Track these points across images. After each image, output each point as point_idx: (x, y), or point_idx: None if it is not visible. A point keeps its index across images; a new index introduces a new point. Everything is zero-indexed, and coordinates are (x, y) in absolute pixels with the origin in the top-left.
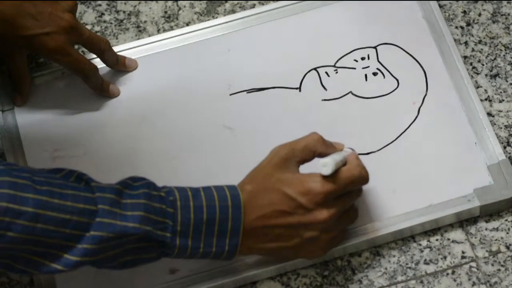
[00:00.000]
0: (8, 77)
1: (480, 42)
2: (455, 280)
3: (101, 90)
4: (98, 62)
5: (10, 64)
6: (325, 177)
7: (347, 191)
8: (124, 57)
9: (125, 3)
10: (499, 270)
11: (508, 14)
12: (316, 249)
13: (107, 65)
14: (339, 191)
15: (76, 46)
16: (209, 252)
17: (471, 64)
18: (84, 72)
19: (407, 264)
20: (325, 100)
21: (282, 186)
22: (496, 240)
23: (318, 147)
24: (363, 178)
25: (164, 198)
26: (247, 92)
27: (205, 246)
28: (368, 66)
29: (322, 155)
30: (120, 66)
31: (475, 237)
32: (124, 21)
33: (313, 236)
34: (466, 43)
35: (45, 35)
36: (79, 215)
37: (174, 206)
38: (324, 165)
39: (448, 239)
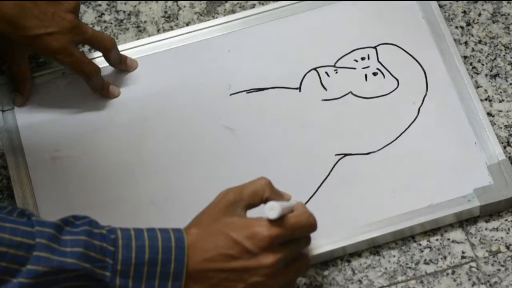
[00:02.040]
0: (9, 77)
1: (480, 42)
2: (455, 280)
3: (101, 91)
4: (99, 63)
5: (12, 64)
6: (271, 222)
7: (295, 238)
8: (126, 57)
9: (125, 3)
10: (499, 270)
11: (508, 14)
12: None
13: (110, 64)
14: (286, 236)
15: (82, 48)
16: None
17: (471, 64)
18: (86, 72)
19: (407, 264)
20: (325, 100)
21: (228, 230)
22: (496, 240)
23: (266, 193)
24: (311, 224)
25: (105, 236)
26: (247, 92)
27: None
28: (368, 66)
29: (269, 200)
30: (122, 65)
31: (475, 237)
32: (124, 21)
33: (258, 281)
34: (466, 43)
35: (48, 35)
36: (16, 249)
37: (116, 245)
38: (270, 209)
39: (448, 239)
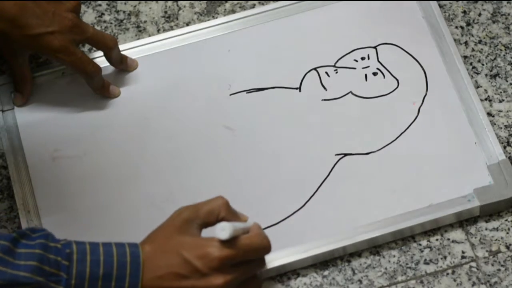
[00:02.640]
0: (9, 77)
1: (480, 42)
2: (455, 280)
3: (102, 91)
4: (99, 63)
5: (12, 64)
6: (223, 242)
7: (248, 260)
8: (126, 57)
9: (125, 3)
10: (499, 270)
11: (508, 14)
12: None
13: (111, 63)
14: (238, 257)
15: (82, 48)
16: None
17: (471, 64)
18: (87, 72)
19: (407, 264)
20: (325, 100)
21: (180, 249)
22: (496, 240)
23: (222, 213)
24: (264, 247)
25: (60, 250)
26: (247, 92)
27: None
28: (368, 66)
29: (225, 220)
30: (123, 65)
31: (475, 237)
32: (124, 21)
33: None
34: (466, 43)
35: (49, 34)
36: None
37: (70, 259)
38: (222, 229)
39: (448, 239)
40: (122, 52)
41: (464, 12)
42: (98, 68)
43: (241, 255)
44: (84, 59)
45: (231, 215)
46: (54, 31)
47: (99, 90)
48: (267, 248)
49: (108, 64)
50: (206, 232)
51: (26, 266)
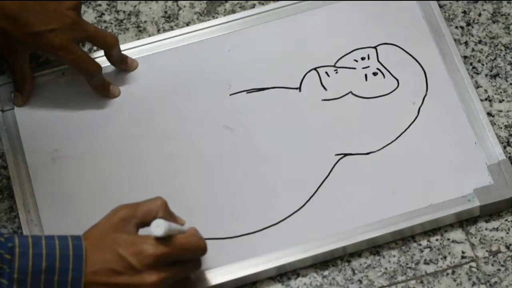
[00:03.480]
0: (9, 77)
1: (480, 42)
2: (455, 280)
3: (102, 90)
4: (99, 62)
5: (13, 63)
6: (159, 240)
7: (183, 260)
8: (127, 56)
9: (125, 3)
10: (499, 270)
11: (508, 14)
12: None
13: (111, 62)
14: (173, 256)
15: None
16: None
17: (471, 64)
18: (87, 70)
19: (407, 264)
20: (325, 100)
21: (116, 245)
22: (496, 240)
23: (160, 214)
24: (200, 247)
25: (2, 244)
26: (247, 92)
27: None
28: (368, 66)
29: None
30: (124, 64)
31: (475, 237)
32: (124, 21)
33: None
34: (466, 43)
35: (49, 32)
36: None
37: (12, 253)
38: (157, 226)
39: (448, 239)
40: (122, 52)
41: (464, 12)
42: (98, 67)
43: (176, 254)
44: (84, 57)
45: (169, 216)
46: (55, 29)
47: (99, 89)
48: (203, 249)
49: (108, 64)
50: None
51: None
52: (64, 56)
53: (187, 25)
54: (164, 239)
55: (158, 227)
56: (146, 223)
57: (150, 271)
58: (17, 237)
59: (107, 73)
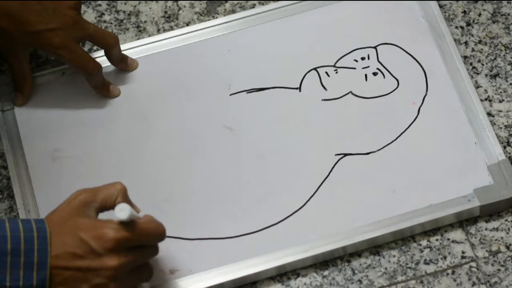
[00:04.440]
0: (9, 77)
1: (480, 42)
2: (455, 280)
3: (102, 90)
4: (100, 62)
5: (13, 63)
6: (120, 225)
7: (143, 245)
8: (127, 56)
9: (125, 3)
10: (499, 270)
11: (508, 14)
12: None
13: (111, 62)
14: (134, 241)
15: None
16: (17, 286)
17: (471, 64)
18: (87, 69)
19: (407, 264)
20: (325, 100)
21: (77, 230)
22: (496, 240)
23: (119, 198)
24: (160, 233)
25: None
26: (247, 92)
27: (11, 279)
28: (368, 66)
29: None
30: (123, 64)
31: (475, 237)
32: (124, 21)
33: (101, 283)
34: (466, 43)
35: (49, 31)
36: None
37: None
38: (120, 210)
39: (448, 239)
40: (122, 52)
41: (464, 12)
42: (98, 66)
43: (137, 239)
44: (84, 56)
45: (128, 200)
46: (55, 28)
47: (99, 89)
48: (162, 234)
49: (108, 64)
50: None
51: None
52: (64, 55)
53: (187, 25)
54: (125, 224)
55: (122, 211)
56: (105, 208)
57: (111, 255)
58: None
59: (107, 73)
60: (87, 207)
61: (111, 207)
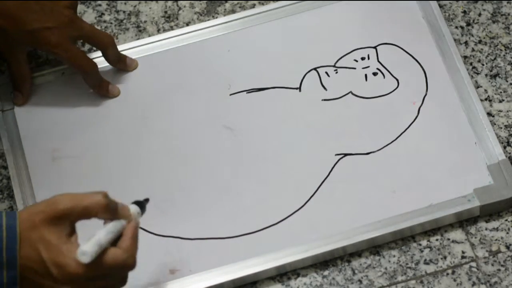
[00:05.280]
0: (9, 77)
1: (480, 42)
2: (455, 280)
3: (100, 89)
4: (99, 62)
5: (11, 62)
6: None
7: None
8: (126, 56)
9: (125, 3)
10: (499, 270)
11: (508, 14)
12: None
13: (109, 62)
14: (96, 276)
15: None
16: None
17: (471, 64)
18: (83, 68)
19: (407, 264)
20: (325, 100)
21: (41, 245)
22: (496, 240)
23: (100, 213)
24: (128, 266)
25: None
26: (247, 92)
27: None
28: (368, 66)
29: (102, 219)
30: (122, 64)
31: (475, 237)
32: (124, 21)
33: None
34: (466, 43)
35: (46, 30)
36: None
37: None
38: (82, 254)
39: (448, 239)
40: (122, 52)
41: (464, 12)
42: (94, 65)
43: (100, 274)
44: (80, 55)
45: (109, 214)
46: (51, 27)
47: (96, 88)
48: (130, 267)
49: (108, 64)
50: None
51: None
52: (60, 54)
53: (187, 25)
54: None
55: (84, 255)
56: (82, 219)
57: (71, 286)
58: None
59: (107, 73)
60: (63, 219)
61: (88, 219)
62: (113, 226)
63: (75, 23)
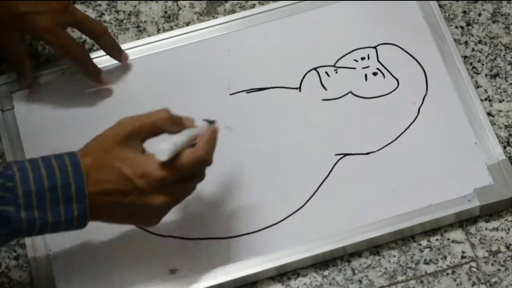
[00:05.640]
0: (9, 77)
1: (480, 42)
2: (455, 280)
3: (92, 76)
4: (98, 63)
5: (6, 47)
6: (163, 163)
7: (190, 173)
8: (120, 47)
9: (125, 3)
10: (499, 270)
11: (508, 14)
12: (153, 219)
13: (104, 50)
14: (178, 176)
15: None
16: (59, 221)
17: (471, 64)
18: (74, 55)
19: (407, 264)
20: (325, 100)
21: (121, 165)
22: (496, 240)
23: (167, 126)
24: (206, 161)
25: (1, 174)
26: (247, 92)
27: (53, 215)
28: (368, 66)
29: (170, 133)
30: (117, 53)
31: (475, 237)
32: (124, 21)
33: (148, 219)
34: (466, 43)
35: (37, 14)
36: None
37: (13, 180)
38: (161, 151)
39: (448, 239)
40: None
41: (464, 12)
42: (83, 51)
43: (182, 173)
44: (70, 42)
45: (176, 126)
46: (42, 11)
47: (89, 75)
48: (207, 162)
49: (107, 64)
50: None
51: None
52: (50, 39)
53: (187, 25)
54: (170, 160)
55: (162, 153)
56: (152, 137)
57: (158, 193)
58: (14, 163)
59: (106, 73)
60: (133, 139)
61: (158, 135)
62: (186, 131)
63: (67, 9)
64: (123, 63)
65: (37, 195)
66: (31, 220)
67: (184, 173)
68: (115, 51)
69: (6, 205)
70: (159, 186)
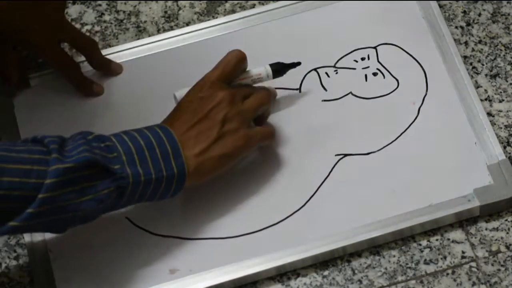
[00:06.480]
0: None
1: (480, 42)
2: (455, 280)
3: (81, 88)
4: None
5: None
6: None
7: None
8: (110, 60)
9: (125, 3)
10: (499, 270)
11: (508, 14)
12: (238, 137)
13: (93, 67)
14: (227, 73)
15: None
16: (161, 176)
17: (471, 64)
18: (65, 68)
19: (407, 264)
20: (325, 100)
21: (196, 94)
22: (496, 240)
23: (246, 65)
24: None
25: (99, 137)
26: None
27: (155, 171)
28: (368, 67)
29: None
30: (106, 69)
31: (475, 237)
32: (124, 21)
33: (222, 115)
34: (466, 43)
35: (31, 30)
36: (39, 165)
37: (111, 141)
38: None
39: (448, 239)
40: (122, 53)
41: (464, 12)
42: (76, 66)
43: (231, 69)
44: (63, 56)
45: (242, 67)
46: (37, 28)
47: (79, 87)
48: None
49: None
50: None
51: (79, 154)
52: (43, 54)
53: (187, 25)
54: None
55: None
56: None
57: (216, 91)
58: (112, 135)
59: (106, 75)
60: (223, 82)
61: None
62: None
63: (62, 26)
64: (114, 75)
65: (137, 153)
66: (136, 175)
67: (233, 70)
68: (104, 65)
69: (111, 163)
70: (212, 86)
